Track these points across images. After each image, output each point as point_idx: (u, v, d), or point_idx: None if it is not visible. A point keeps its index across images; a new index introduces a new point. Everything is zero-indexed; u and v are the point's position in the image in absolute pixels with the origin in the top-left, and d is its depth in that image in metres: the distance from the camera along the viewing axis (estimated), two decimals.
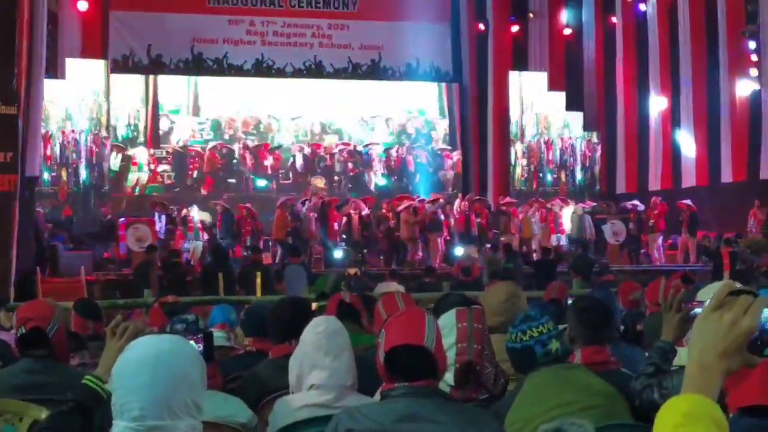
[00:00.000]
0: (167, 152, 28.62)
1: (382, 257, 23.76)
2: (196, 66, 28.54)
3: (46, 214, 23.32)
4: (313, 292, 11.67)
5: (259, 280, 17.72)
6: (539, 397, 3.59)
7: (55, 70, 24.61)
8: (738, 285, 2.57)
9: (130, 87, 28.17)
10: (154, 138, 28.48)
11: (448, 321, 4.07)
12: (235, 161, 29.07)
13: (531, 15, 29.52)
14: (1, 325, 8.96)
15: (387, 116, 30.48)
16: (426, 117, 31.04)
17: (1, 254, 15.89)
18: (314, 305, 7.13)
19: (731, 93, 25.11)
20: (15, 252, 16.24)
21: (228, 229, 23.26)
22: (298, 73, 29.28)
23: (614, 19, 29.42)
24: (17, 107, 16.12)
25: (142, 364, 2.67)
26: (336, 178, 29.60)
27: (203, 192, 28.22)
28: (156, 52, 28.06)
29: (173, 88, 29.07)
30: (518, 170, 29.50)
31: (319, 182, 28.86)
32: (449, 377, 3.91)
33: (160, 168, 28.48)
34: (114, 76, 27.40)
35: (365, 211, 23.82)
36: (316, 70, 29.36)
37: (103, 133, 26.66)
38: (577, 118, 30.06)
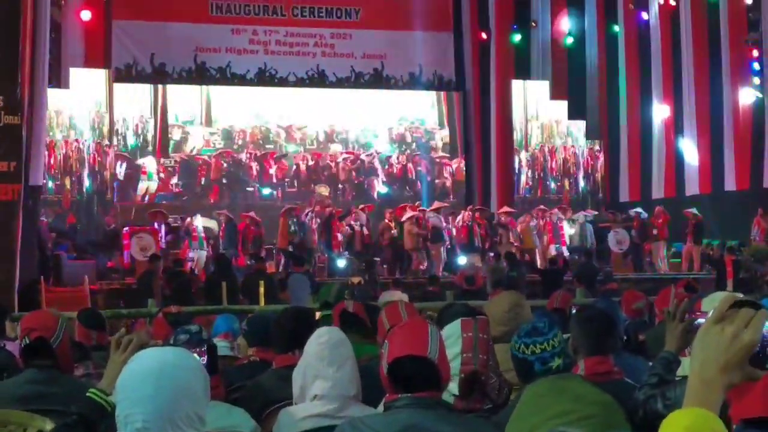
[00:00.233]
0: (176, 161, 28.65)
1: (385, 266, 23.73)
2: (199, 75, 28.58)
3: (50, 223, 23.31)
4: (316, 302, 11.68)
5: (262, 289, 17.74)
6: (537, 408, 3.59)
7: (58, 80, 24.66)
8: (740, 296, 2.57)
9: (138, 96, 28.16)
10: (163, 147, 28.50)
11: (453, 331, 4.07)
12: (240, 170, 29.08)
13: (533, 24, 29.53)
14: (5, 335, 8.96)
15: (387, 125, 30.48)
16: (425, 126, 31.02)
17: (4, 263, 15.89)
18: (318, 314, 7.15)
19: (734, 101, 25.11)
20: (18, 261, 16.24)
21: (231, 238, 23.26)
22: (300, 83, 29.32)
23: (616, 28, 29.42)
24: (21, 117, 16.13)
25: (146, 376, 2.68)
26: (340, 186, 29.63)
27: (210, 200, 28.25)
28: (159, 61, 28.12)
29: (186, 98, 29.06)
30: (522, 179, 29.50)
31: (324, 190, 28.89)
32: (453, 387, 3.91)
33: (169, 177, 28.49)
34: (121, 86, 27.48)
35: (363, 221, 23.79)
36: (318, 79, 29.41)
37: (106, 141, 26.69)
38: (579, 126, 30.06)
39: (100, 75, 26.69)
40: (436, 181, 30.48)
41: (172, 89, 28.61)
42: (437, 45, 30.44)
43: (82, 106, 25.98)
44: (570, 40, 29.68)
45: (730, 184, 25.21)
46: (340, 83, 29.63)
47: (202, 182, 28.80)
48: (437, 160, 30.74)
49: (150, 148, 28.29)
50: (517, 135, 29.49)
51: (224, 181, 28.88)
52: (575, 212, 25.95)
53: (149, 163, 28.12)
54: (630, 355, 5.76)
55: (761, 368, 1.96)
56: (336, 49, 29.66)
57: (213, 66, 28.64)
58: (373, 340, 5.72)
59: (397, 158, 30.30)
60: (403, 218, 23.85)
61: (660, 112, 28.17)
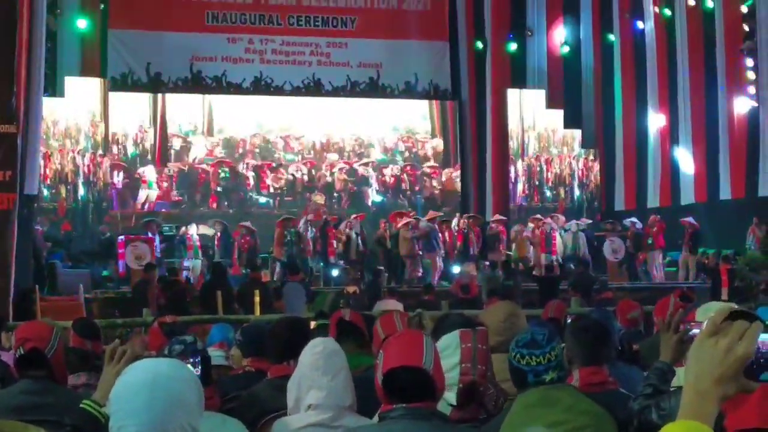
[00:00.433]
0: (175, 170, 28.67)
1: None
2: (195, 84, 28.61)
3: (45, 232, 23.30)
4: (311, 311, 11.69)
5: (257, 298, 17.72)
6: (528, 418, 3.59)
7: (54, 89, 24.65)
8: (735, 306, 2.57)
9: (137, 106, 28.22)
10: (162, 156, 28.52)
11: (451, 341, 4.08)
12: (237, 179, 29.09)
13: (529, 32, 29.57)
14: (1, 345, 8.96)
15: (380, 136, 30.52)
16: (417, 136, 31.04)
17: None
18: (313, 324, 7.14)
19: (729, 110, 25.13)
20: (13, 270, 16.23)
21: (227, 247, 23.27)
22: (296, 91, 29.37)
23: (612, 37, 29.46)
24: (16, 126, 16.14)
25: (140, 387, 2.68)
26: (335, 194, 29.66)
27: (209, 209, 28.28)
28: (155, 71, 28.15)
29: (186, 108, 29.13)
30: (519, 188, 29.51)
31: (319, 199, 28.94)
32: (451, 397, 3.91)
33: (169, 185, 28.52)
34: (122, 95, 27.55)
35: (357, 229, 23.81)
36: (314, 88, 29.45)
37: (100, 151, 26.69)
38: (575, 135, 30.09)
39: (95, 84, 26.67)
40: (428, 190, 30.48)
41: (172, 99, 28.64)
42: (433, 54, 30.53)
43: (77, 115, 25.99)
44: (566, 49, 29.71)
45: (725, 193, 25.21)
46: (336, 92, 29.68)
47: (201, 191, 28.80)
48: (429, 169, 30.72)
49: (149, 157, 28.30)
50: (513, 144, 29.50)
51: (221, 190, 28.88)
52: (569, 221, 25.92)
53: (149, 171, 28.12)
54: (625, 365, 5.77)
55: (755, 380, 1.96)
56: (332, 58, 29.73)
57: (209, 75, 28.69)
58: (370, 350, 5.71)
59: (391, 168, 30.31)
60: (398, 225, 23.89)
61: (655, 120, 28.20)
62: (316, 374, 4.12)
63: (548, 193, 29.78)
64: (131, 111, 28.06)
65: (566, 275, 21.84)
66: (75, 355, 5.74)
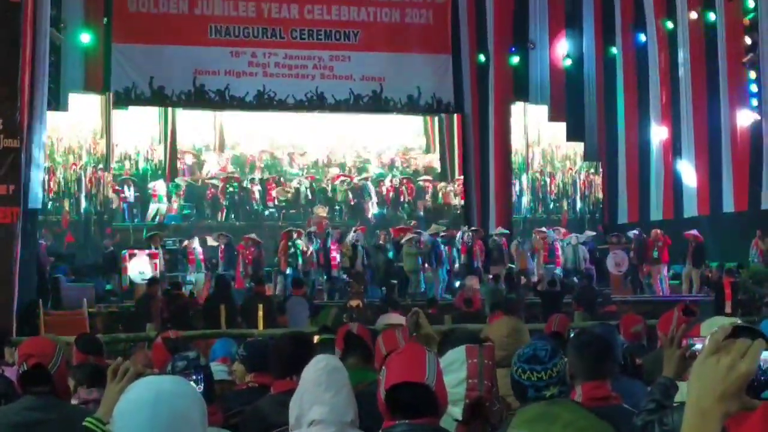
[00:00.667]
0: (184, 185, 28.76)
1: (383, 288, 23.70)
2: (198, 97, 28.68)
3: (48, 246, 23.33)
4: (315, 325, 11.68)
5: (261, 312, 17.72)
6: None
7: (57, 103, 24.69)
8: (739, 321, 2.57)
9: (146, 121, 28.37)
10: (173, 171, 28.61)
11: (457, 356, 4.08)
12: (244, 193, 29.16)
13: (531, 46, 29.61)
14: (4, 360, 8.97)
15: (377, 150, 30.61)
16: (411, 152, 31.09)
17: (3, 287, 15.89)
18: (316, 338, 7.14)
19: (732, 123, 25.13)
20: (17, 284, 16.24)
21: (231, 261, 23.28)
22: (299, 105, 29.43)
23: (614, 50, 29.52)
24: (20, 140, 16.17)
25: (143, 404, 2.68)
26: (336, 207, 29.72)
27: (216, 222, 28.38)
28: (158, 84, 28.21)
29: (198, 124, 29.34)
30: (524, 201, 29.51)
31: (321, 211, 29.01)
32: (457, 412, 3.91)
33: (178, 200, 28.65)
34: (129, 111, 27.66)
35: (361, 242, 23.86)
36: (317, 102, 29.51)
37: (101, 165, 26.74)
38: (578, 148, 30.09)
39: (99, 99, 26.73)
40: (426, 204, 30.52)
41: (182, 114, 28.82)
42: (436, 67, 30.58)
43: (81, 129, 26.06)
44: (568, 62, 29.75)
45: (728, 206, 25.19)
46: (339, 105, 29.73)
47: (209, 205, 28.91)
48: (424, 183, 30.74)
49: (160, 172, 28.40)
50: (518, 158, 29.52)
51: (228, 204, 28.96)
52: (571, 234, 25.93)
53: (159, 186, 28.22)
54: (628, 379, 5.76)
55: (757, 398, 1.96)
56: (335, 72, 29.79)
57: (212, 88, 28.76)
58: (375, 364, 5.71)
59: (390, 181, 30.38)
60: (402, 240, 23.90)
61: (658, 133, 28.21)
62: (319, 390, 4.12)
63: (551, 206, 29.80)
64: (140, 126, 28.22)
65: (569, 289, 21.81)
66: (88, 370, 5.77)
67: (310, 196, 29.63)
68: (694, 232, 24.20)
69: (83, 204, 26.22)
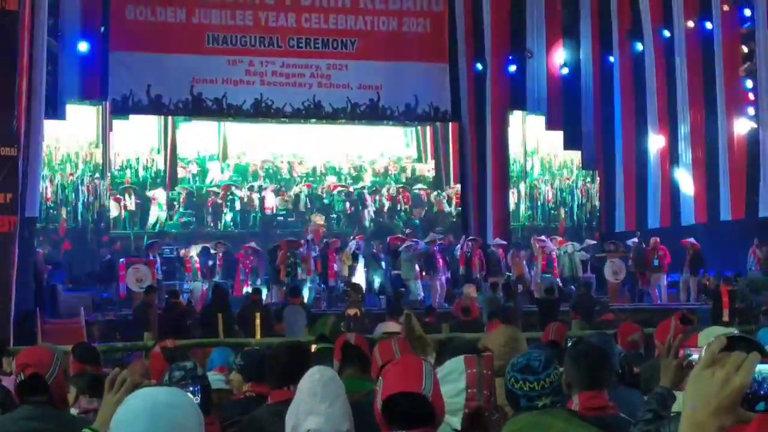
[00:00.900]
0: (184, 193, 28.78)
1: (382, 297, 23.71)
2: (195, 106, 28.69)
3: (46, 254, 23.32)
4: (312, 334, 11.66)
5: (258, 321, 17.69)
6: None
7: (54, 111, 24.70)
8: (735, 331, 2.58)
9: (146, 130, 28.40)
10: (173, 179, 28.63)
11: (455, 366, 4.08)
12: (244, 201, 29.17)
13: (528, 54, 29.63)
14: (1, 370, 8.96)
15: (371, 159, 30.64)
16: (404, 161, 31.11)
17: (0, 295, 15.88)
18: (313, 347, 7.13)
19: (729, 131, 25.17)
20: (14, 293, 16.23)
21: (229, 269, 23.28)
22: (296, 113, 29.45)
23: (611, 58, 29.56)
24: (17, 148, 16.18)
25: (139, 415, 2.68)
26: (333, 215, 29.73)
27: (216, 229, 28.43)
28: (155, 93, 28.22)
29: (201, 134, 29.38)
30: (521, 209, 29.52)
31: (319, 219, 29.02)
32: (455, 422, 3.91)
33: (178, 208, 28.67)
34: (129, 120, 27.69)
35: (361, 251, 23.89)
36: (315, 110, 29.53)
37: (97, 174, 26.71)
38: (575, 156, 30.12)
39: (96, 109, 26.71)
40: (422, 212, 30.52)
41: (184, 123, 28.84)
42: (433, 76, 30.60)
43: (79, 137, 26.03)
44: (565, 71, 29.78)
45: (725, 214, 25.21)
46: (336, 114, 29.76)
47: (209, 213, 28.90)
48: (419, 191, 30.74)
49: (159, 180, 28.40)
50: (516, 167, 29.53)
51: (228, 212, 28.98)
52: (567, 242, 25.93)
53: (159, 194, 28.23)
54: (625, 389, 5.76)
55: (752, 410, 1.96)
56: (332, 80, 29.83)
57: (209, 97, 28.78)
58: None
59: (387, 190, 30.37)
60: (400, 248, 23.92)
61: (655, 141, 28.24)
62: (314, 400, 4.13)
63: (549, 214, 29.79)
64: (140, 134, 28.27)
65: (567, 297, 21.82)
66: (88, 379, 5.77)
67: (308, 205, 29.65)
68: (692, 240, 24.23)
69: (80, 212, 26.20)
